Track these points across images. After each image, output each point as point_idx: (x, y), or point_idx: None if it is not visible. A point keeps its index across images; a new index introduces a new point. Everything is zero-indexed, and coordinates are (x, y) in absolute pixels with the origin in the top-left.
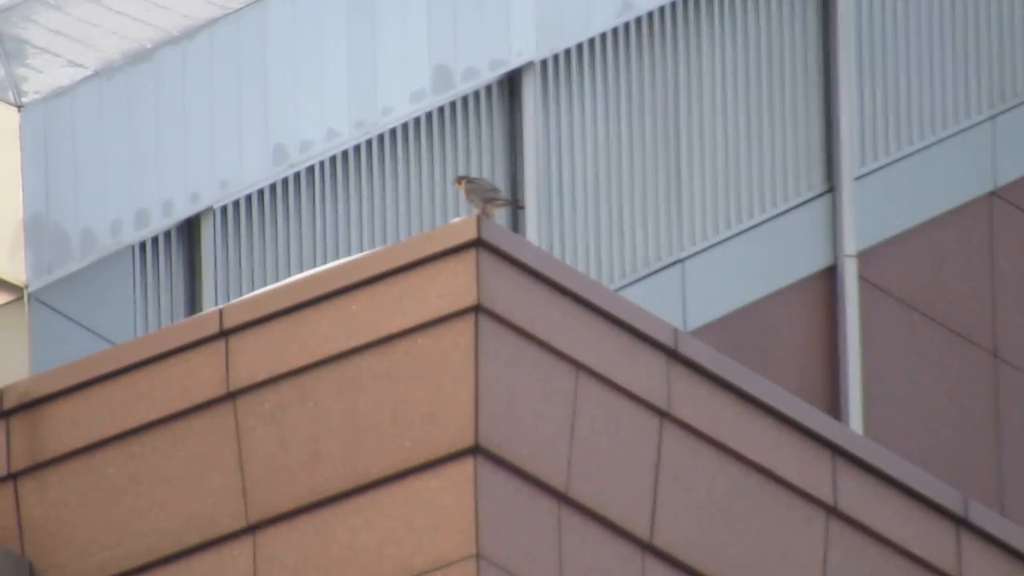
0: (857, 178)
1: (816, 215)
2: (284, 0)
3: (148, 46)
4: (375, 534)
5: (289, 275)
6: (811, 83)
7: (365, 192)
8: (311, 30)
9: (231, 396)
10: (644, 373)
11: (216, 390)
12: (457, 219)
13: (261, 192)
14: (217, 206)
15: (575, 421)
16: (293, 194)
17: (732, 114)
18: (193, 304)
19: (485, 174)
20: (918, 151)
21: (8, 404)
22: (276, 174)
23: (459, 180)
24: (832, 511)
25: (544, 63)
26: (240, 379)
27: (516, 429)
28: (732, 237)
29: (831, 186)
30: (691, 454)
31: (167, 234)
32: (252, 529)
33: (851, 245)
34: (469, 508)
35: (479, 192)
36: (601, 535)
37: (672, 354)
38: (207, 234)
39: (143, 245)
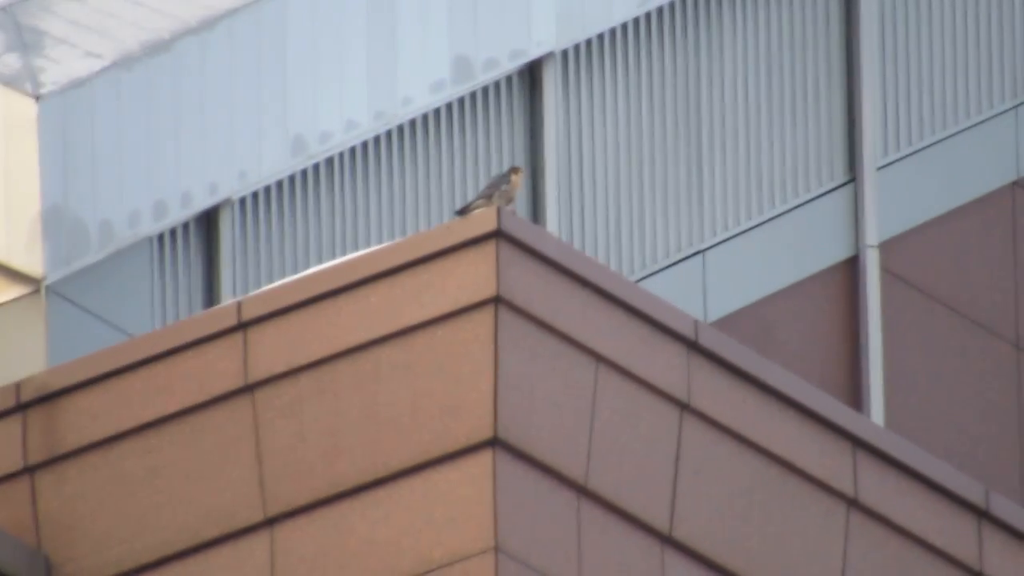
0: (879, 168)
1: (838, 205)
2: None
3: (167, 37)
4: (393, 527)
5: (308, 267)
6: (833, 73)
7: (384, 183)
8: (331, 20)
9: (249, 389)
10: (664, 365)
11: (234, 383)
12: (477, 210)
13: (280, 183)
14: (236, 197)
15: (595, 413)
16: (312, 185)
17: (753, 104)
18: (211, 296)
19: (505, 165)
20: (940, 141)
21: (25, 397)
22: (295, 165)
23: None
24: (853, 503)
25: (565, 53)
26: (258, 371)
27: (535, 421)
28: (753, 228)
29: (853, 176)
30: (711, 446)
31: (185, 226)
32: (270, 522)
33: (873, 236)
34: (488, 501)
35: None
36: (621, 528)
37: (692, 346)
38: (225, 226)
39: (161, 237)
